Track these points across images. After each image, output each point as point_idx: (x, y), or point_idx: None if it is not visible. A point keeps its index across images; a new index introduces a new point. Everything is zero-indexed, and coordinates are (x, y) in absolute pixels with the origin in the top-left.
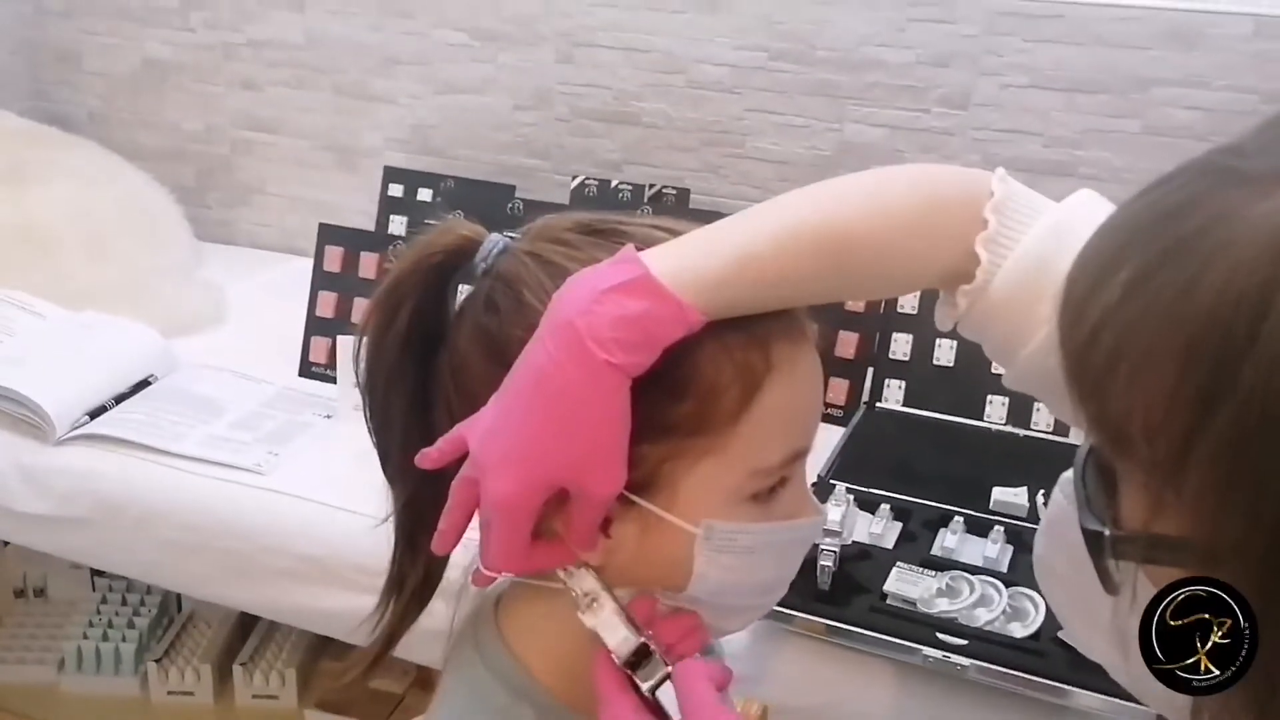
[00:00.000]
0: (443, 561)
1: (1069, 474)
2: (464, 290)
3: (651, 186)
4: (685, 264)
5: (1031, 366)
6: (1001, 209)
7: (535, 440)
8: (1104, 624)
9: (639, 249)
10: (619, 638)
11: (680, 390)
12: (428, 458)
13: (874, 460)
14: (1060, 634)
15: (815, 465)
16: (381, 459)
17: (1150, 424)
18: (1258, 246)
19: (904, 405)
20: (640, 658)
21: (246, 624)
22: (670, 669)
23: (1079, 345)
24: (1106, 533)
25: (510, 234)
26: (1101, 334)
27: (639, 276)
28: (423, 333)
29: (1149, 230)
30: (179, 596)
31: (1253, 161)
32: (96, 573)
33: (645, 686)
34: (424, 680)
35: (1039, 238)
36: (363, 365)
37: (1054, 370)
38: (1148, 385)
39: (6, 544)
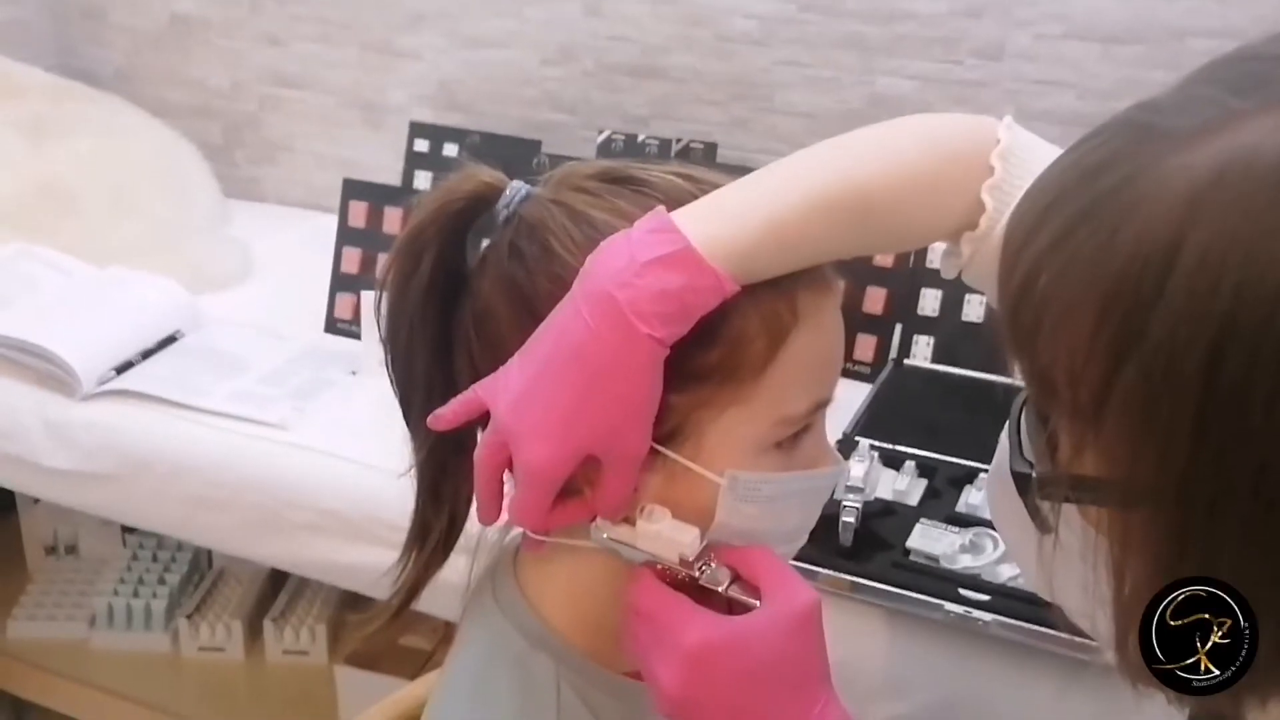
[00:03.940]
0: (466, 510)
1: None
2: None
3: (679, 141)
4: (718, 233)
5: None
6: (1007, 156)
7: (572, 410)
8: (1034, 564)
9: (668, 207)
10: (691, 535)
11: (709, 340)
12: (441, 419)
13: (901, 417)
14: None
15: (841, 422)
16: (404, 408)
17: (1072, 373)
18: (1166, 202)
19: (932, 362)
20: (705, 558)
21: (277, 580)
22: (730, 569)
23: (1011, 300)
24: (1033, 474)
25: (531, 180)
26: (1029, 289)
27: (680, 250)
28: (445, 280)
29: (1073, 187)
30: (209, 553)
31: (1167, 118)
32: (127, 529)
33: (723, 585)
34: (452, 637)
35: None
36: (384, 315)
37: None
38: (1069, 337)
39: (37, 501)
